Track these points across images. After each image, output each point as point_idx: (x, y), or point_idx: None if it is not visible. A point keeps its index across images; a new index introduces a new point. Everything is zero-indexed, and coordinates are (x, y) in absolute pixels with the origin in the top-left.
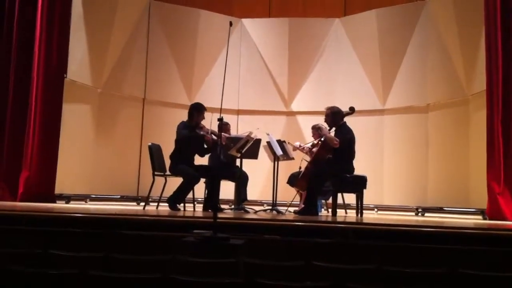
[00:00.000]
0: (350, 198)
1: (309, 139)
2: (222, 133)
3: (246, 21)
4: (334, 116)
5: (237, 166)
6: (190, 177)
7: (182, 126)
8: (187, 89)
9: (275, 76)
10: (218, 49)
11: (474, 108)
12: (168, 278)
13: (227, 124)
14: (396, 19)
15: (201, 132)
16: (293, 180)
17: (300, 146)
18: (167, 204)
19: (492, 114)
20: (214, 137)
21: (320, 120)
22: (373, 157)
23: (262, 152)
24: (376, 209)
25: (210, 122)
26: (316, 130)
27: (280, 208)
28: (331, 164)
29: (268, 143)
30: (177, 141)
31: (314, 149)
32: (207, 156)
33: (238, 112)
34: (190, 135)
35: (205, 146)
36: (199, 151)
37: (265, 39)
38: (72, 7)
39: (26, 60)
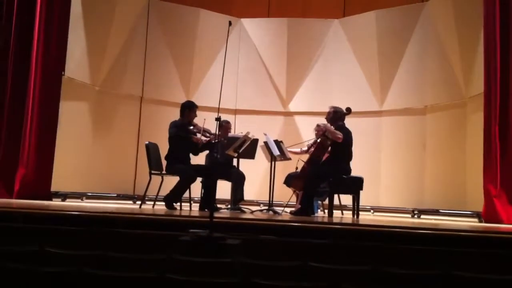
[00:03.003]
0: (346, 199)
1: (306, 139)
2: (216, 133)
3: (245, 21)
4: (335, 114)
5: (234, 165)
6: (187, 176)
7: (173, 125)
8: (185, 88)
9: (273, 76)
10: (217, 48)
11: (472, 111)
12: (164, 277)
13: (228, 123)
14: (395, 20)
15: (190, 127)
16: (289, 180)
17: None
18: (163, 203)
19: (490, 117)
20: (207, 135)
21: (318, 121)
22: (370, 159)
23: (259, 152)
24: (372, 211)
25: (202, 124)
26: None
27: (276, 208)
28: (328, 165)
29: (265, 143)
30: (169, 140)
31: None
32: (204, 156)
33: (236, 112)
34: (178, 132)
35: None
36: (192, 150)
37: (263, 39)
38: (71, 4)
39: (24, 57)
